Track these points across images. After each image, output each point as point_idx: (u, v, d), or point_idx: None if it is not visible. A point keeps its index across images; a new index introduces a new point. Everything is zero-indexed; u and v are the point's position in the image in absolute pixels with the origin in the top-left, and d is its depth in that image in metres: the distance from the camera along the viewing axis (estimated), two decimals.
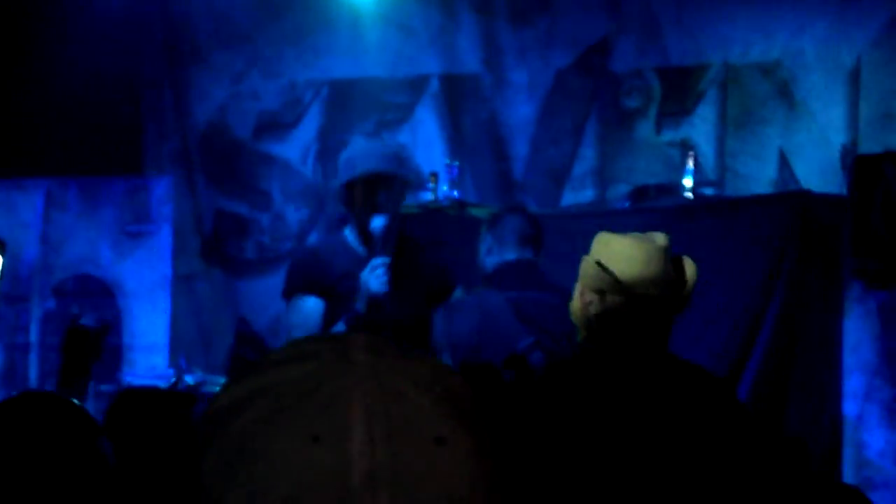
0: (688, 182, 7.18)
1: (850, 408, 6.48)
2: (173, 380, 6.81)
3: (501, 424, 1.09)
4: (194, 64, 9.06)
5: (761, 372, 6.38)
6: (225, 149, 9.00)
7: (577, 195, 8.31)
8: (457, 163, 7.77)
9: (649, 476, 3.12)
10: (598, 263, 3.35)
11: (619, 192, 7.96)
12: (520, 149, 8.47)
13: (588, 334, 3.40)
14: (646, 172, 7.99)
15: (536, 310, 5.14)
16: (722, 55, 8.05)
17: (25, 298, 8.38)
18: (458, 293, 5.31)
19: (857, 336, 6.48)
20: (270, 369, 1.04)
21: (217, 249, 8.98)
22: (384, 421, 0.97)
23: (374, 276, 4.94)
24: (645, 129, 8.21)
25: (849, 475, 6.37)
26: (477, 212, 7.15)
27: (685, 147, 7.85)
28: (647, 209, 7.03)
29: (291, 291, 5.23)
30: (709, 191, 7.50)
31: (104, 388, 7.09)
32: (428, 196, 7.61)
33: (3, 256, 6.29)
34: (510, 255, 5.37)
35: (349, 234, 5.24)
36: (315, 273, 5.19)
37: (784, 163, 7.83)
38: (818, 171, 7.60)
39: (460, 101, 8.61)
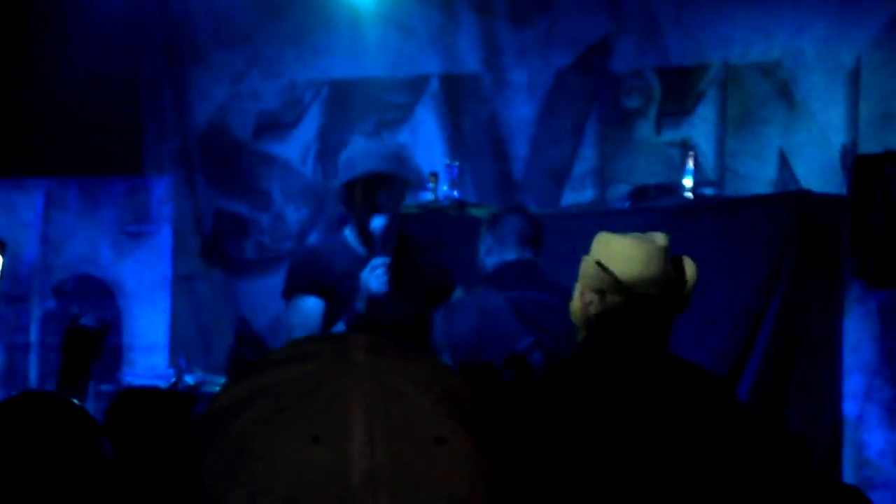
0: (688, 182, 7.18)
1: (850, 408, 6.48)
2: (173, 380, 6.81)
3: (501, 424, 1.09)
4: (194, 64, 9.06)
5: (761, 372, 6.38)
6: (225, 149, 9.00)
7: (577, 195, 8.31)
8: (457, 163, 7.76)
9: (649, 476, 3.12)
10: (598, 263, 3.35)
11: (619, 192, 7.95)
12: (520, 149, 8.47)
13: (588, 334, 3.40)
14: (646, 172, 7.99)
15: (536, 310, 5.14)
16: (722, 55, 8.05)
17: (25, 298, 8.38)
18: (458, 293, 5.31)
19: (857, 336, 6.48)
20: (270, 369, 1.04)
21: (217, 249, 8.98)
22: (384, 421, 0.97)
23: (374, 276, 4.94)
24: (645, 129, 8.21)
25: (849, 475, 6.37)
26: (477, 212, 7.15)
27: (685, 147, 7.85)
28: (647, 209, 7.03)
29: (291, 291, 5.23)
30: (709, 191, 7.50)
31: (104, 388, 7.08)
32: (428, 196, 7.61)
33: (2, 256, 6.29)
34: (510, 255, 5.37)
35: (349, 234, 5.24)
36: (315, 273, 5.19)
37: (784, 163, 7.83)
38: (818, 171, 7.60)
39: (460, 101, 8.61)
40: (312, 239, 8.64)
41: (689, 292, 3.37)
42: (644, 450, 3.14)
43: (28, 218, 8.45)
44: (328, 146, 8.69)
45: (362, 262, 5.01)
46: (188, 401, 3.70)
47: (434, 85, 8.65)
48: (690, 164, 7.26)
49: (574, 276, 3.47)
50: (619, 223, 5.77)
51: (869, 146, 7.24)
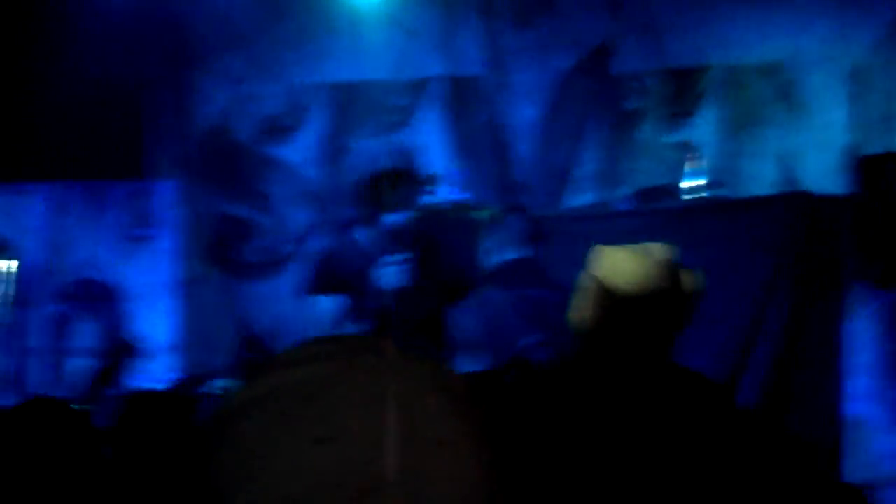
0: (689, 183, 7.19)
1: (854, 409, 6.48)
2: (177, 383, 6.81)
3: (505, 426, 1.10)
4: (196, 67, 9.07)
5: (764, 374, 6.38)
6: (227, 152, 9.00)
7: (580, 197, 8.31)
8: (459, 165, 7.77)
9: (647, 479, 3.12)
10: (597, 277, 3.34)
11: (621, 193, 7.96)
12: (522, 151, 8.47)
13: (587, 346, 3.39)
14: (647, 174, 7.99)
15: (538, 307, 5.16)
16: (723, 56, 8.05)
17: (30, 303, 8.39)
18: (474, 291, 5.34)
19: (860, 337, 6.48)
20: (278, 372, 1.05)
21: (220, 253, 8.98)
22: (391, 423, 0.98)
23: (391, 272, 4.96)
24: (647, 130, 8.21)
25: (853, 476, 6.37)
26: (478, 214, 7.15)
27: (687, 148, 7.85)
28: (648, 211, 7.03)
29: (313, 288, 5.26)
30: (711, 192, 7.50)
31: (108, 392, 7.10)
32: (431, 198, 7.61)
33: (13, 261, 6.31)
34: (511, 253, 5.40)
35: (359, 234, 5.27)
36: (335, 270, 5.22)
37: (786, 163, 7.83)
38: (820, 173, 7.60)
39: (463, 103, 8.61)
40: (314, 242, 8.64)
41: (690, 305, 3.35)
42: (642, 452, 3.14)
43: (31, 222, 8.46)
44: (330, 149, 8.69)
45: (378, 259, 5.04)
46: (192, 404, 3.71)
47: (436, 87, 8.65)
48: (692, 165, 7.26)
49: (575, 278, 3.46)
50: (621, 225, 5.78)
51: (871, 147, 7.24)
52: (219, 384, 6.78)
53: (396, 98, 8.70)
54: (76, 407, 2.60)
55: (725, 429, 3.25)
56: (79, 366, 8.01)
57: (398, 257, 4.98)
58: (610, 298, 3.30)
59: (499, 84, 8.54)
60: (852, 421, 6.47)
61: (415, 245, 5.04)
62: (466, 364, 5.15)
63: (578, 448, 3.16)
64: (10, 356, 8.37)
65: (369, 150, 5.38)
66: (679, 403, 3.26)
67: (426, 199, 7.59)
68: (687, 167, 7.27)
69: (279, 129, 8.96)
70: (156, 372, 7.79)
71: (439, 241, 5.34)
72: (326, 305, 5.19)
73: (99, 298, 8.40)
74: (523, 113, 8.48)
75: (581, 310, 3.39)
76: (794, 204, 6.71)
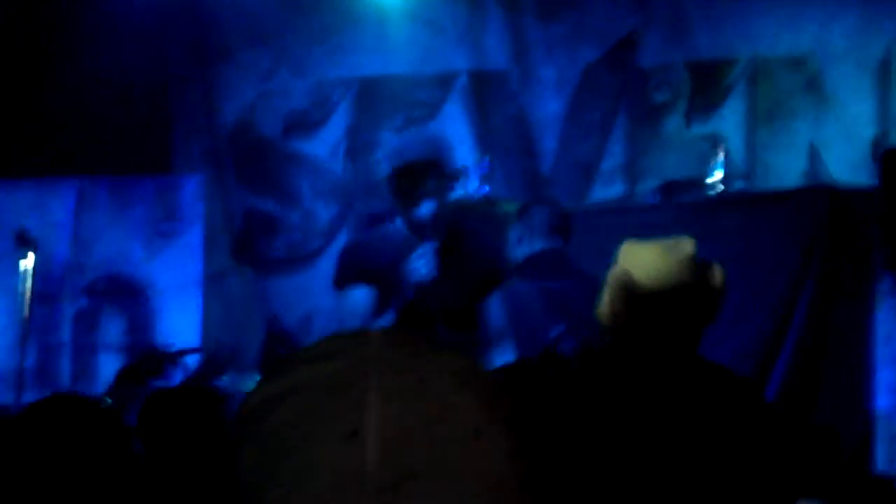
0: (717, 175, 7.16)
1: (882, 401, 6.45)
2: (204, 378, 6.82)
3: (534, 420, 1.10)
4: (223, 62, 9.09)
5: (792, 367, 6.35)
6: (254, 147, 9.02)
7: (606, 190, 8.30)
8: (487, 158, 7.76)
9: (677, 473, 3.12)
10: (624, 272, 3.33)
11: (648, 186, 7.94)
12: (548, 144, 8.47)
13: (615, 340, 3.39)
14: (675, 167, 7.97)
15: (566, 298, 5.15)
16: (751, 48, 8.03)
17: (57, 298, 8.42)
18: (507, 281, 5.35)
19: (889, 329, 6.45)
20: (302, 367, 1.05)
21: (247, 247, 9.00)
22: (416, 416, 0.98)
23: (423, 263, 4.98)
24: (674, 123, 8.20)
25: (884, 468, 6.34)
26: (506, 206, 7.15)
27: (715, 141, 7.82)
28: (675, 204, 7.02)
29: (343, 281, 5.27)
30: (739, 184, 7.49)
31: (137, 388, 7.11)
32: (458, 192, 7.61)
33: (34, 255, 6.33)
34: (539, 244, 5.41)
35: (397, 223, 5.29)
36: (365, 262, 5.23)
37: (814, 155, 7.81)
38: (848, 164, 7.58)
39: (489, 97, 8.60)
40: (342, 236, 8.66)
41: (717, 300, 3.34)
42: (671, 446, 3.14)
43: (59, 218, 8.49)
44: (357, 144, 8.69)
45: (410, 250, 5.06)
46: (220, 399, 3.72)
47: (462, 81, 8.65)
48: (720, 157, 7.24)
49: (601, 271, 3.46)
50: (647, 219, 5.77)
51: None
52: (248, 380, 6.80)
53: (422, 92, 8.70)
54: (105, 402, 2.60)
55: (754, 423, 3.25)
56: (106, 361, 8.04)
57: (427, 250, 4.99)
58: (637, 293, 3.30)
59: (524, 78, 8.54)
60: (882, 413, 6.44)
61: (444, 238, 5.05)
62: (493, 355, 5.17)
63: (608, 441, 3.16)
64: (36, 352, 8.40)
65: (397, 143, 5.39)
66: (707, 398, 3.25)
67: (454, 193, 7.60)
68: (714, 160, 7.25)
69: (306, 123, 8.97)
70: (183, 368, 7.80)
71: (468, 234, 5.35)
72: (358, 299, 5.20)
73: (126, 294, 8.42)
74: (549, 106, 8.47)
75: (608, 304, 3.39)
76: (819, 196, 6.68)
